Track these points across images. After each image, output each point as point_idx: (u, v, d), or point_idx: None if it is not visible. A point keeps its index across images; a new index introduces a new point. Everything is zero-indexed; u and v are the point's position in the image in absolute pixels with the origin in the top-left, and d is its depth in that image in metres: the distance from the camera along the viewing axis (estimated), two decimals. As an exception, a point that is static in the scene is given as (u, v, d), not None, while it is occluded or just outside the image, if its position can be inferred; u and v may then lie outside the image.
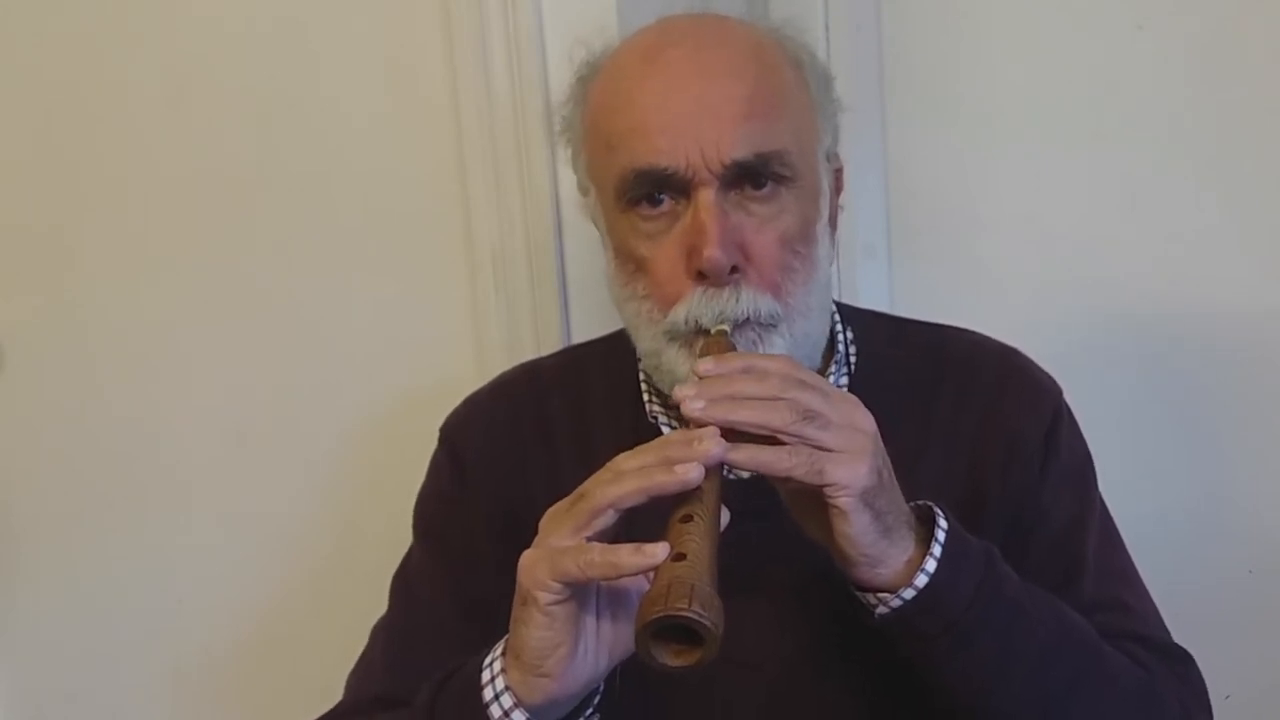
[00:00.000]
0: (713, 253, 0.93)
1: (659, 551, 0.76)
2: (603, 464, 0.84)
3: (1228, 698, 1.29)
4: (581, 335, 1.37)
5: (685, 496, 0.80)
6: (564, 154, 1.09)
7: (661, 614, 0.72)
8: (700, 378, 0.86)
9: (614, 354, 1.09)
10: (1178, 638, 1.05)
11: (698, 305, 0.95)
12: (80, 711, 1.69)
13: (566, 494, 0.84)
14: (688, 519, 0.78)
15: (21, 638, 1.69)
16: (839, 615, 0.94)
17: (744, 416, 0.83)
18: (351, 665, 1.10)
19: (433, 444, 1.14)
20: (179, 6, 1.51)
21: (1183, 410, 1.45)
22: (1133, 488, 1.22)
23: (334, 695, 1.08)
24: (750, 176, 0.96)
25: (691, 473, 0.79)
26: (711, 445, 0.80)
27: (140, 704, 1.65)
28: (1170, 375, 1.44)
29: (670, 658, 0.74)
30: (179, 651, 1.62)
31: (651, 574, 0.76)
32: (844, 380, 1.07)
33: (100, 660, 1.66)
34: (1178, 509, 1.45)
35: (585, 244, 1.37)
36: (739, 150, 0.94)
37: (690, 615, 0.71)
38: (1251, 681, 1.41)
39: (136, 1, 1.51)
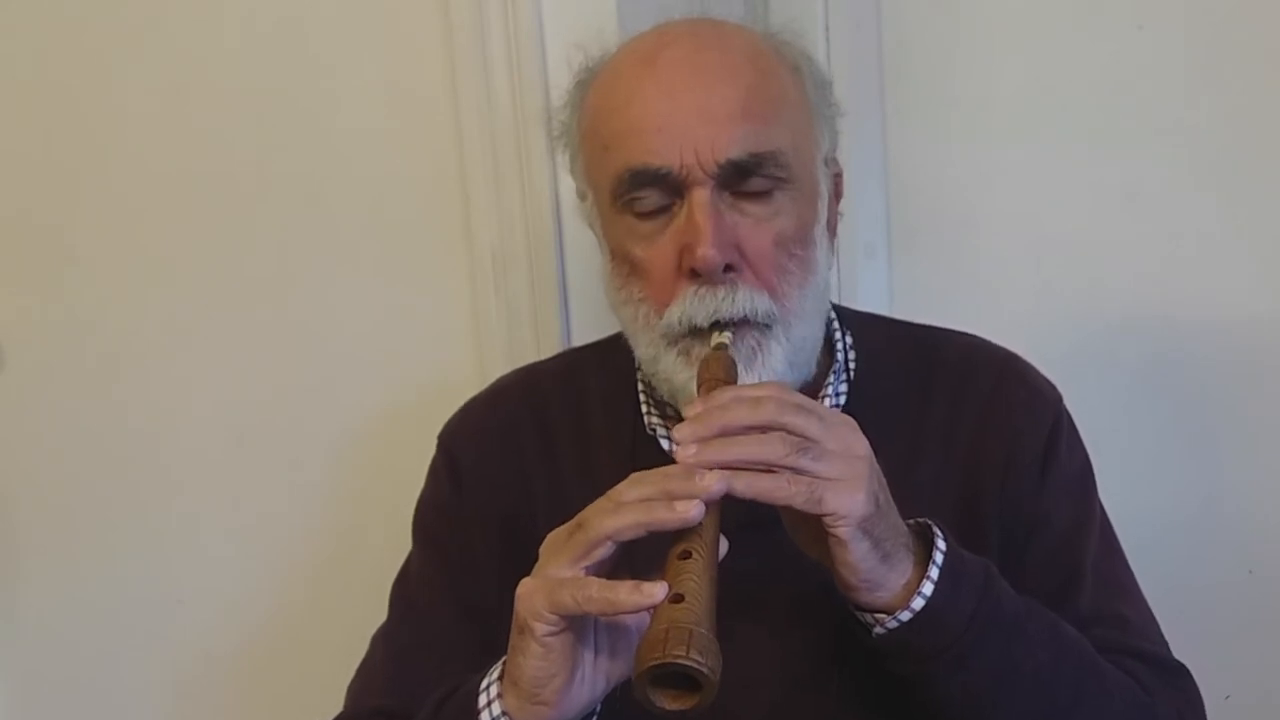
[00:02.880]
0: (706, 251, 0.93)
1: (657, 592, 0.76)
2: (601, 474, 0.84)
3: (1227, 698, 1.30)
4: (581, 336, 1.37)
5: (684, 530, 0.80)
6: (563, 157, 1.09)
7: (660, 661, 0.72)
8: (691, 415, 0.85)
9: (611, 359, 1.09)
10: (1176, 640, 1.05)
11: (692, 304, 0.95)
12: (80, 712, 1.69)
13: (565, 502, 0.84)
14: (686, 555, 0.78)
15: (21, 638, 1.69)
16: (839, 633, 0.94)
17: (737, 455, 0.82)
18: (351, 667, 1.09)
19: (432, 446, 1.14)
20: (179, 7, 1.50)
21: (1183, 411, 1.44)
22: (1133, 489, 1.22)
23: (333, 694, 1.08)
24: (745, 177, 0.96)
25: (692, 510, 0.78)
26: (714, 482, 0.80)
27: (140, 704, 1.65)
28: (1170, 376, 1.44)
29: (668, 701, 0.74)
30: (179, 652, 1.62)
31: (650, 609, 0.76)
32: (843, 386, 1.07)
33: (100, 661, 1.66)
34: (1178, 510, 1.44)
35: (585, 245, 1.36)
36: (733, 150, 0.94)
37: (689, 664, 0.72)
38: (1251, 682, 1.41)
39: (136, 1, 1.51)
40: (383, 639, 1.09)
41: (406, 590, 1.10)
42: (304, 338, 1.52)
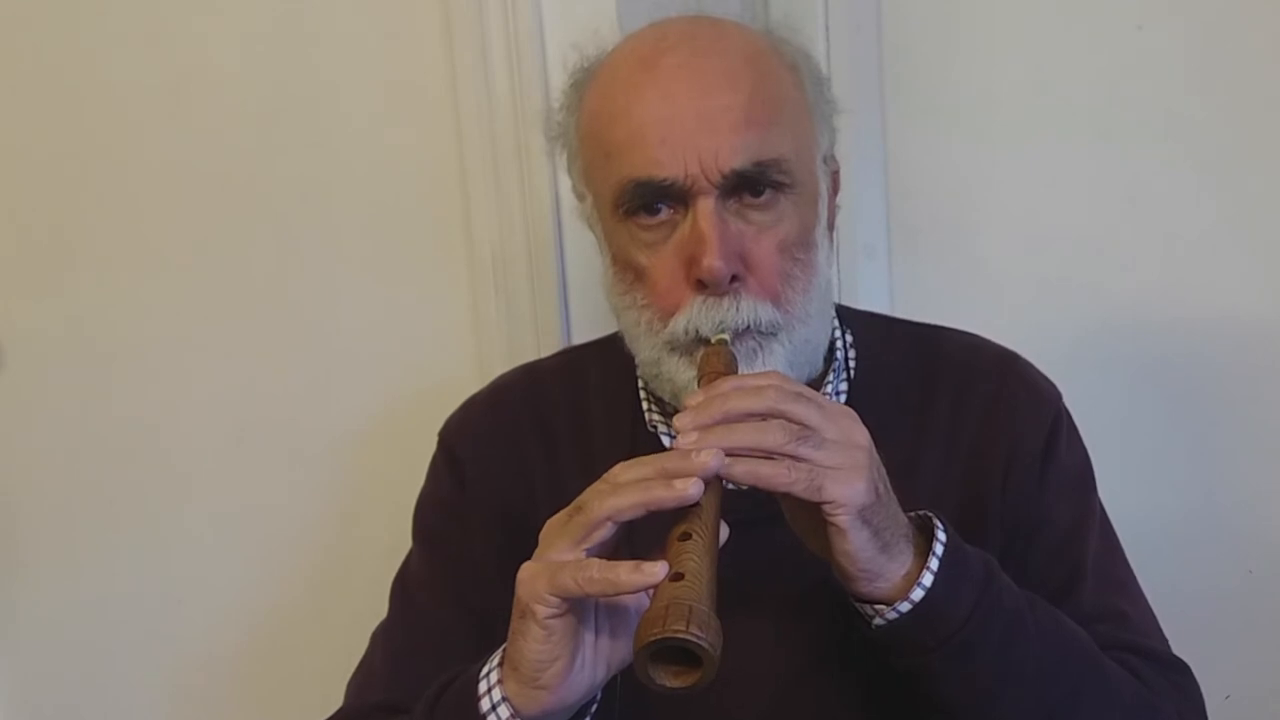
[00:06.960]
0: (713, 262, 0.93)
1: (658, 570, 0.76)
2: (602, 471, 0.83)
3: (1228, 698, 1.30)
4: (581, 336, 1.37)
5: (684, 512, 0.80)
6: (561, 157, 1.08)
7: (659, 636, 0.72)
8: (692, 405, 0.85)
9: (612, 357, 1.09)
10: (1176, 639, 1.05)
11: (698, 314, 0.95)
12: (81, 711, 1.69)
13: (566, 499, 0.84)
14: (686, 536, 0.78)
15: (22, 637, 1.69)
16: (839, 626, 0.93)
17: (737, 441, 0.82)
18: (351, 665, 1.10)
19: (432, 444, 1.14)
20: (179, 6, 1.50)
21: (1182, 411, 1.44)
22: (1132, 488, 1.23)
23: (334, 694, 1.08)
24: (749, 185, 0.96)
25: (690, 488, 0.79)
26: (710, 459, 0.80)
27: (141, 704, 1.65)
28: (1170, 375, 1.44)
29: (669, 679, 0.75)
30: (180, 651, 1.62)
31: (650, 590, 0.76)
32: (843, 385, 1.07)
33: (101, 660, 1.66)
34: (1177, 510, 1.44)
35: (585, 245, 1.36)
36: (737, 159, 0.94)
37: (688, 638, 0.72)
38: (1251, 682, 1.41)
39: (137, 2, 1.51)
40: (382, 636, 1.10)
41: (406, 587, 1.11)
42: (304, 337, 1.53)
